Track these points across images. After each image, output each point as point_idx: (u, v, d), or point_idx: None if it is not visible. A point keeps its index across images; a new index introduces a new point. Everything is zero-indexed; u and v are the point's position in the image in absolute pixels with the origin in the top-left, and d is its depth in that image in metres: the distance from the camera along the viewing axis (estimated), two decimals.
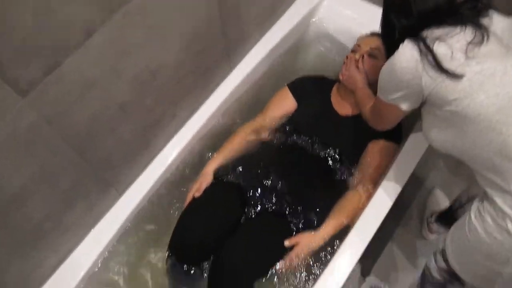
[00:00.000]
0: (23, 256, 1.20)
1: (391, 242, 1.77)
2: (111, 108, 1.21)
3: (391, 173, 1.39)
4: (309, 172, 1.44)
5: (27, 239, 1.18)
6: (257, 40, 1.73)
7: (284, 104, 1.59)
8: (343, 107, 1.52)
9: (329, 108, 1.54)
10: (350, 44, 1.57)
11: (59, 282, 1.29)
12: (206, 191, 1.39)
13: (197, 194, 1.38)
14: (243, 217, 1.38)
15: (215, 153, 1.53)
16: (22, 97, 0.95)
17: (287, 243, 1.28)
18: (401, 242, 1.77)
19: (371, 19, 1.29)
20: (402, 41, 0.96)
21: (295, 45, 1.86)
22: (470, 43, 0.89)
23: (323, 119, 1.53)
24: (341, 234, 1.34)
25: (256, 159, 1.47)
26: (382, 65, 1.41)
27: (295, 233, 1.32)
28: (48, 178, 1.14)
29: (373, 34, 1.50)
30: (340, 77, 1.48)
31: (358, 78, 1.41)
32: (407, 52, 0.93)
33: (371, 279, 1.69)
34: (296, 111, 1.59)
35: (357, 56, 1.45)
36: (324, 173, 1.46)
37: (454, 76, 0.88)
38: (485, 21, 0.93)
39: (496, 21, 0.94)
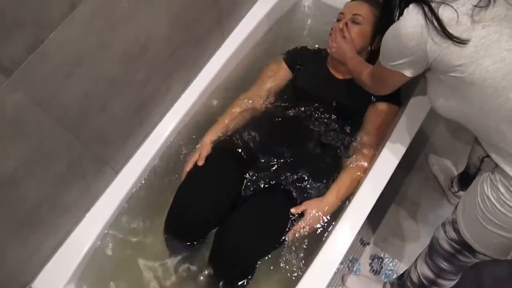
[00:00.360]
0: (21, 239, 1.17)
1: (392, 210, 1.77)
2: (101, 85, 1.16)
3: (394, 135, 1.37)
4: (311, 140, 1.41)
5: (24, 223, 1.16)
6: (250, 6, 1.66)
7: (278, 74, 1.55)
8: (340, 72, 1.49)
9: (326, 72, 1.50)
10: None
11: (60, 264, 1.28)
12: (204, 164, 1.35)
13: (200, 163, 1.34)
14: (244, 191, 1.36)
15: (212, 124, 1.49)
16: (6, 77, 0.90)
17: (293, 210, 1.27)
18: (402, 210, 1.77)
19: None
20: (406, 5, 0.92)
21: (290, 11, 1.79)
22: (476, 6, 0.86)
23: (321, 83, 1.49)
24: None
25: (256, 129, 1.44)
26: (367, 30, 1.39)
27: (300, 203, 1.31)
28: (41, 159, 1.11)
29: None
30: (329, 51, 1.44)
31: (346, 49, 1.36)
32: (412, 17, 0.90)
33: (371, 248, 1.70)
34: (293, 78, 1.54)
35: (340, 25, 1.40)
36: (326, 139, 1.42)
37: (460, 41, 0.86)
38: None
39: None
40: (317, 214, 1.28)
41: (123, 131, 1.35)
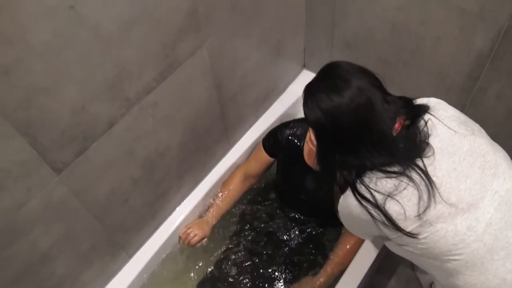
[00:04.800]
0: None
1: None
2: (126, 183, 1.43)
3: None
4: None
5: None
6: (253, 122, 1.97)
7: (261, 158, 1.74)
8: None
9: (304, 165, 1.53)
10: None
11: None
12: None
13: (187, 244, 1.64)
14: None
15: (213, 204, 1.78)
16: (57, 175, 1.19)
17: None
18: None
19: None
20: (340, 169, 0.96)
21: None
22: (419, 201, 0.89)
23: (301, 178, 1.58)
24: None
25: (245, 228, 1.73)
26: None
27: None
28: (71, 241, 1.34)
29: None
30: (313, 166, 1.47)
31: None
32: (357, 208, 0.93)
33: None
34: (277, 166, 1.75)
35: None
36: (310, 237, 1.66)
37: (411, 235, 0.91)
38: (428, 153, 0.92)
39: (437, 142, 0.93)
40: None
41: (140, 221, 1.60)
